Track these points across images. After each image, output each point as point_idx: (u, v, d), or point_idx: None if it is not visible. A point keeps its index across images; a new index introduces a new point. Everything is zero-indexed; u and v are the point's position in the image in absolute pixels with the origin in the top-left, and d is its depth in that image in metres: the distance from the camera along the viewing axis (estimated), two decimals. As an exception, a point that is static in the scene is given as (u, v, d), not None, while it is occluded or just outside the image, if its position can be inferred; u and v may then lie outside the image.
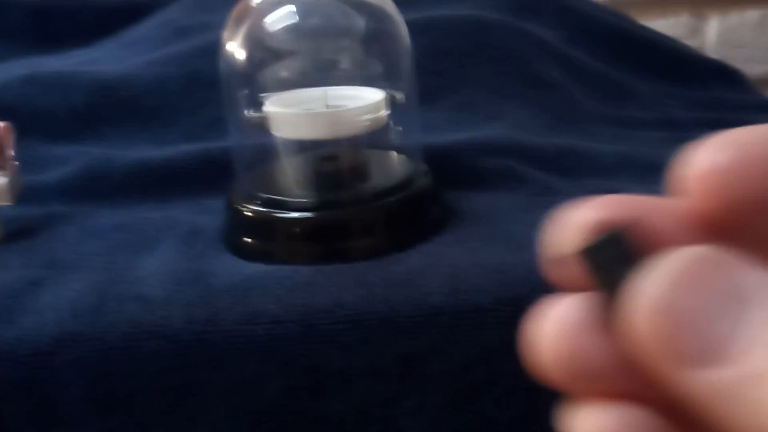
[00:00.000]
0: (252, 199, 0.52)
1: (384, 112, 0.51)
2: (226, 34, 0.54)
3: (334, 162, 0.54)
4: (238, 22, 0.54)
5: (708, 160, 0.19)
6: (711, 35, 1.26)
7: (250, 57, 0.53)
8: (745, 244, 0.20)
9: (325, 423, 0.43)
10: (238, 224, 0.52)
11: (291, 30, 0.53)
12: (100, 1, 0.99)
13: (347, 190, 0.52)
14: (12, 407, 0.43)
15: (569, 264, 0.20)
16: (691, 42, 1.19)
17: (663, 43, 0.91)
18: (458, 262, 0.46)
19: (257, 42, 0.53)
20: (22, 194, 0.57)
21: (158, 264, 0.49)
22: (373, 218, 0.50)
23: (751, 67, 1.13)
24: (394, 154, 0.56)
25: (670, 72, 0.86)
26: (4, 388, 0.43)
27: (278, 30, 0.53)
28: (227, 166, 0.59)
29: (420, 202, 0.51)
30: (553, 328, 0.20)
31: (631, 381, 0.19)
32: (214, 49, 0.75)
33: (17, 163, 0.57)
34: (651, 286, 0.18)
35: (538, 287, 0.35)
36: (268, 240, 0.51)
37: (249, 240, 0.51)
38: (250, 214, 0.51)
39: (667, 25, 1.22)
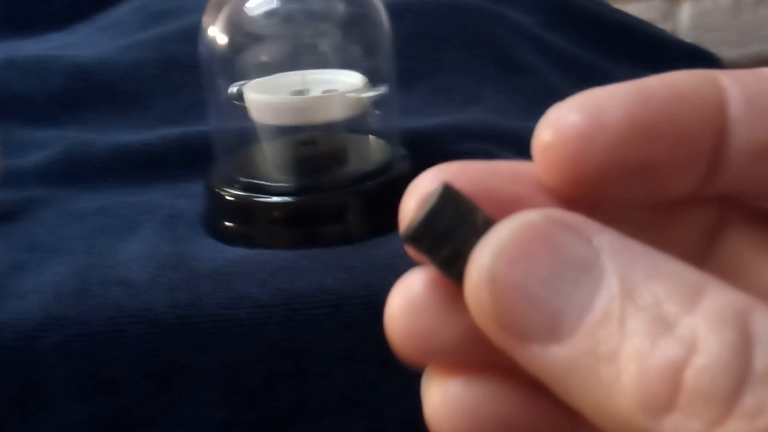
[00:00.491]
0: (232, 183, 0.52)
1: (363, 97, 0.52)
2: (206, 18, 0.54)
3: (313, 146, 0.54)
4: (218, 7, 0.54)
5: (549, 132, 0.19)
6: (684, 19, 1.27)
7: (230, 41, 0.54)
8: (605, 209, 0.20)
9: (307, 407, 0.44)
10: (218, 208, 0.52)
11: (271, 15, 0.53)
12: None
13: (326, 174, 0.52)
14: (-5, 391, 0.43)
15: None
16: (663, 25, 1.20)
17: (638, 28, 0.92)
18: None
19: (237, 27, 0.53)
20: (2, 178, 0.57)
21: (139, 248, 0.50)
22: (352, 203, 0.51)
23: (724, 51, 1.14)
24: (373, 138, 0.56)
25: (646, 56, 0.86)
26: (-13, 372, 0.43)
27: (258, 15, 0.53)
28: (205, 150, 0.59)
29: (399, 186, 0.51)
30: (400, 304, 0.20)
31: (483, 352, 0.19)
32: (190, 33, 0.75)
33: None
34: (481, 258, 0.17)
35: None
36: (249, 224, 0.51)
37: (229, 224, 0.51)
38: (230, 198, 0.51)
39: (640, 8, 1.23)
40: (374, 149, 0.55)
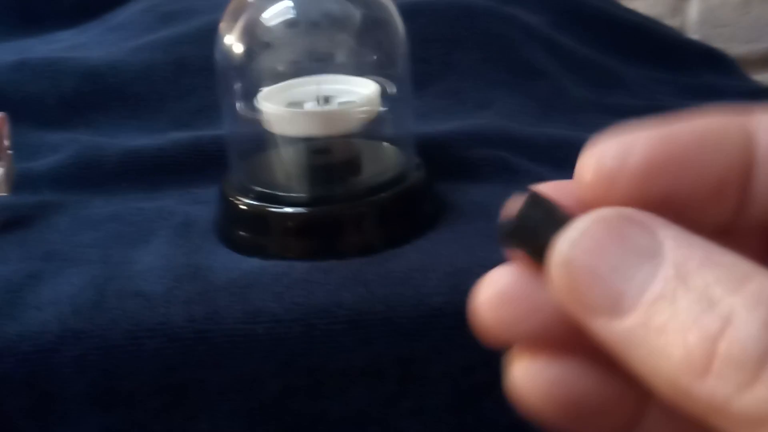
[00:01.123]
0: (246, 192, 0.52)
1: (378, 106, 0.52)
2: (222, 25, 0.54)
3: (328, 155, 0.54)
4: (235, 14, 0.54)
5: (585, 172, 0.22)
6: (692, 14, 1.26)
7: (247, 50, 0.53)
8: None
9: (324, 423, 0.44)
10: (232, 217, 0.53)
11: (288, 23, 0.53)
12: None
13: (341, 184, 0.52)
14: (13, 403, 0.43)
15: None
16: (672, 21, 1.20)
17: (650, 27, 0.91)
18: (457, 260, 0.46)
19: (254, 35, 0.53)
20: (15, 182, 0.57)
21: (155, 258, 0.50)
22: (367, 214, 0.51)
23: (733, 47, 1.14)
24: (387, 145, 0.56)
25: (659, 57, 0.86)
26: (6, 384, 0.43)
27: (275, 23, 0.53)
28: (218, 155, 0.59)
29: (414, 196, 0.52)
30: (490, 294, 0.23)
31: (563, 335, 0.22)
32: (201, 35, 0.75)
33: (11, 152, 0.57)
34: (561, 245, 0.21)
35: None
36: (263, 234, 0.51)
37: (243, 234, 0.51)
38: (244, 207, 0.51)
39: (648, 4, 1.22)
40: (388, 157, 0.55)
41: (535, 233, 0.22)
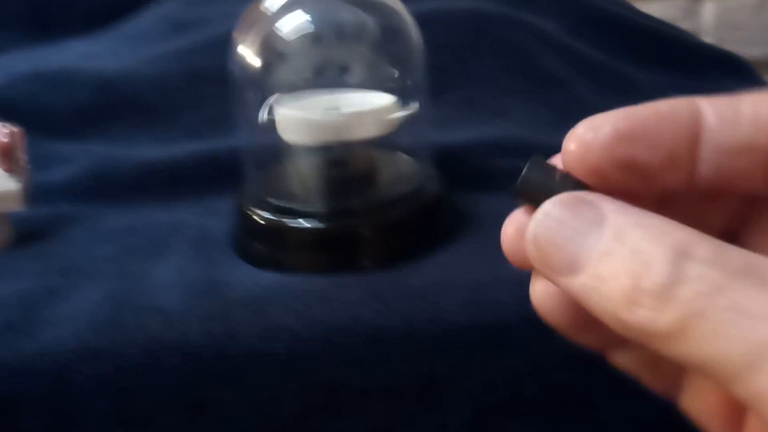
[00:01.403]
0: (262, 205, 0.52)
1: (395, 116, 0.51)
2: (238, 36, 0.54)
3: (344, 167, 0.53)
4: (250, 25, 0.53)
5: (570, 144, 0.28)
6: (707, 17, 1.26)
7: (261, 60, 0.53)
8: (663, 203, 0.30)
9: (344, 441, 0.44)
10: (248, 230, 0.52)
11: (304, 34, 0.53)
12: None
13: (357, 197, 0.52)
14: (31, 422, 0.43)
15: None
16: (686, 24, 1.19)
17: (666, 32, 0.91)
18: (477, 275, 0.46)
19: (270, 46, 0.53)
20: (30, 194, 0.57)
21: (172, 272, 0.49)
22: (385, 227, 0.50)
23: (748, 50, 1.13)
24: (404, 157, 0.56)
25: (675, 62, 0.85)
26: (23, 403, 0.43)
27: (291, 34, 0.53)
28: (233, 166, 0.59)
29: (432, 209, 0.51)
30: (507, 229, 0.30)
31: None
32: (215, 44, 0.75)
33: (29, 166, 0.57)
34: (531, 224, 0.27)
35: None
36: (280, 248, 0.51)
37: (260, 247, 0.51)
38: (260, 221, 0.51)
39: (662, 7, 1.22)
40: (406, 169, 0.55)
41: (535, 190, 0.29)
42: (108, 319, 0.45)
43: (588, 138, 0.28)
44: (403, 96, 0.53)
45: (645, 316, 0.25)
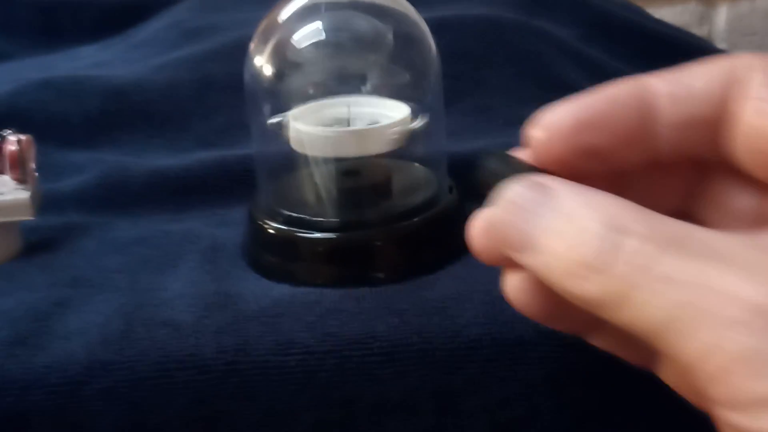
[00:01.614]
0: (274, 216, 0.51)
1: (410, 127, 0.51)
2: (252, 45, 0.53)
3: (357, 177, 0.53)
4: (266, 35, 0.53)
5: (535, 132, 0.33)
6: (720, 23, 1.25)
7: (276, 69, 0.52)
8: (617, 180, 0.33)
9: (358, 457, 0.43)
10: (260, 241, 0.52)
11: (318, 43, 0.52)
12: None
13: (371, 208, 0.51)
14: (41, 436, 0.42)
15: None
16: (699, 30, 1.19)
17: (681, 40, 0.90)
18: (493, 288, 0.45)
19: (285, 56, 0.52)
20: (40, 203, 0.56)
21: (183, 284, 0.49)
22: (398, 240, 0.50)
23: (762, 57, 1.12)
24: (419, 167, 0.55)
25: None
26: (33, 417, 0.42)
27: (305, 43, 0.52)
28: (245, 175, 0.59)
29: (448, 220, 0.50)
30: (473, 228, 0.33)
31: None
32: (226, 52, 0.75)
33: (37, 174, 0.56)
34: (491, 207, 0.31)
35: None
36: (292, 260, 0.50)
37: (272, 259, 0.51)
38: (272, 231, 0.50)
39: (675, 12, 1.21)
40: (420, 179, 0.54)
41: (495, 179, 0.32)
42: (118, 332, 0.44)
43: (550, 128, 0.32)
44: (418, 105, 0.52)
45: (583, 286, 0.27)
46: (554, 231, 0.28)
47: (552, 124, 0.32)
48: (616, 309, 0.27)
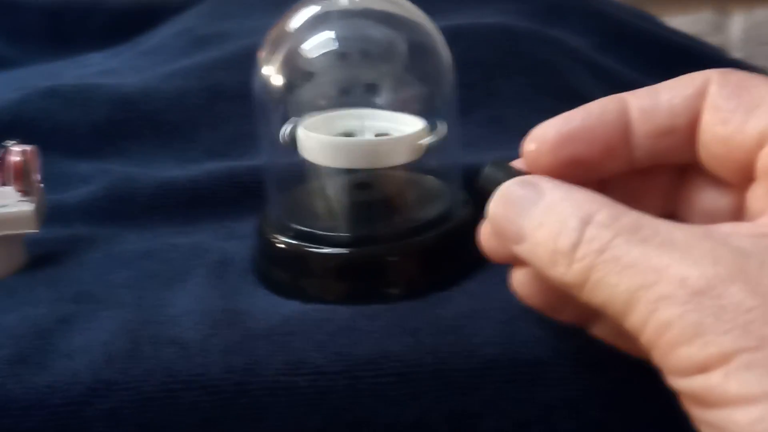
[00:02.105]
0: (283, 230, 0.50)
1: (425, 141, 0.49)
2: (261, 55, 0.52)
3: (369, 190, 0.51)
4: (275, 44, 0.51)
5: (529, 146, 0.37)
6: (735, 32, 1.24)
7: (286, 80, 0.51)
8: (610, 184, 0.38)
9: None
10: (269, 256, 0.50)
11: (329, 53, 0.51)
12: (112, 3, 0.97)
13: (383, 223, 0.50)
14: (43, 458, 0.41)
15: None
16: (714, 39, 1.17)
17: (697, 49, 0.89)
18: (510, 305, 0.44)
19: (294, 64, 0.51)
20: (45, 215, 0.55)
21: (190, 300, 0.48)
22: (412, 254, 0.48)
23: (778, 66, 1.10)
24: (432, 179, 0.54)
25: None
26: (36, 440, 0.41)
27: (316, 52, 0.51)
28: (254, 186, 0.58)
29: (462, 234, 0.49)
30: (483, 231, 0.40)
31: None
32: (235, 60, 0.74)
33: (42, 185, 0.55)
34: (490, 203, 0.36)
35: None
36: (302, 276, 0.49)
37: (282, 274, 0.49)
38: (281, 246, 0.49)
39: (689, 21, 1.20)
40: (434, 193, 0.53)
41: (495, 185, 0.36)
42: (124, 351, 0.43)
43: (539, 141, 0.36)
44: (433, 116, 0.51)
45: (560, 272, 0.32)
46: (540, 224, 0.33)
47: (540, 137, 0.37)
48: (582, 289, 0.31)
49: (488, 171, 0.38)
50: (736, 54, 1.15)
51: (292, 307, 0.46)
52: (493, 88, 0.72)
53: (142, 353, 0.43)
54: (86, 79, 0.76)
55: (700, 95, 0.34)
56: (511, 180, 0.35)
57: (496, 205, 0.35)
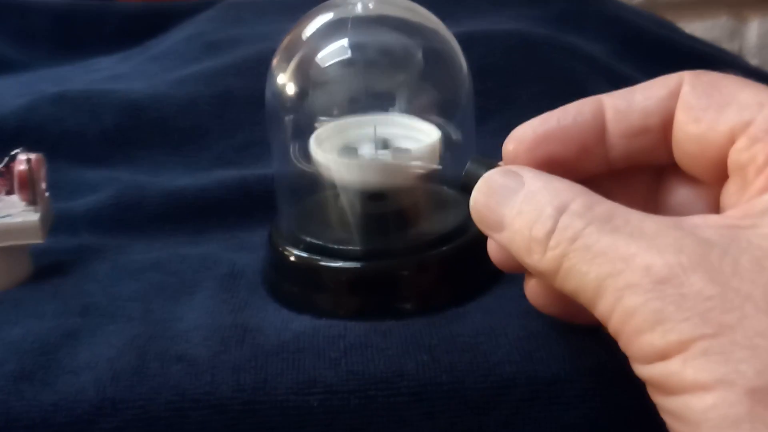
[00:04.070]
0: (295, 242, 0.48)
1: (439, 155, 0.48)
2: (275, 63, 0.51)
3: (383, 202, 0.50)
4: (289, 52, 0.50)
5: (509, 145, 0.38)
6: (752, 38, 1.22)
7: (299, 88, 0.50)
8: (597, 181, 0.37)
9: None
10: (280, 270, 0.49)
11: (345, 63, 0.49)
12: (123, 6, 0.96)
13: (398, 235, 0.48)
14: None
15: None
16: (730, 45, 1.16)
17: (715, 56, 0.87)
18: (528, 322, 0.43)
19: (308, 73, 0.50)
20: (52, 224, 0.54)
21: (199, 315, 0.46)
22: (427, 269, 0.47)
23: (795, 73, 1.09)
24: (448, 190, 0.52)
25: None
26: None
27: (332, 63, 0.49)
28: (265, 196, 0.56)
29: (479, 248, 0.47)
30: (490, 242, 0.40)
31: None
32: (246, 66, 0.73)
33: (48, 194, 0.54)
34: (473, 192, 0.36)
35: (621, 353, 0.32)
36: (314, 290, 0.47)
37: (293, 288, 0.48)
38: (293, 259, 0.48)
39: (705, 27, 1.18)
40: (450, 205, 0.51)
41: (476, 181, 0.36)
42: (130, 368, 0.42)
43: (518, 141, 0.37)
44: (449, 125, 0.50)
45: (535, 259, 0.32)
46: (518, 213, 0.33)
47: (517, 137, 0.38)
48: (555, 277, 0.32)
49: (470, 167, 0.38)
50: (752, 60, 1.14)
51: (303, 322, 0.45)
52: (508, 96, 0.71)
53: (149, 370, 0.41)
54: (95, 84, 0.75)
55: (674, 95, 0.35)
56: (493, 169, 0.36)
57: (478, 193, 0.36)
